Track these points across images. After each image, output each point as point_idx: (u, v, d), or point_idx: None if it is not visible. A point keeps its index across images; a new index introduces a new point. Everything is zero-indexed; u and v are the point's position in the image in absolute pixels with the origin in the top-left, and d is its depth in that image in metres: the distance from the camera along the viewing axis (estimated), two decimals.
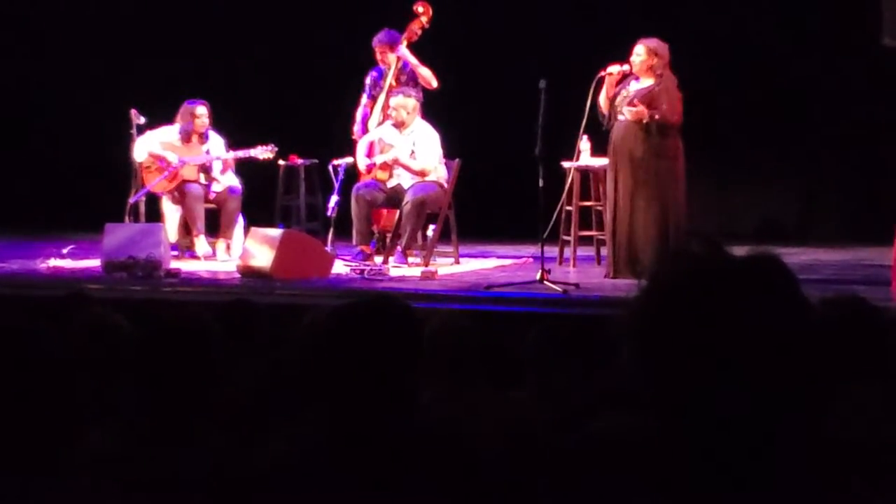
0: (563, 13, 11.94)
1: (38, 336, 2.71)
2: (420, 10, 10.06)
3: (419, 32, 10.08)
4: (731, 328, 1.50)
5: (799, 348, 1.50)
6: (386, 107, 9.98)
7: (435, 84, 9.97)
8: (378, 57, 10.16)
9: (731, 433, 1.51)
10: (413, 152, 9.62)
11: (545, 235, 8.53)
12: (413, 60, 10.00)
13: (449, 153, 9.80)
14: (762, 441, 1.50)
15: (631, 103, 8.45)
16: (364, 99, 10.26)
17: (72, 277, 8.74)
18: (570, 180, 9.45)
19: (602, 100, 8.69)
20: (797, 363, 1.50)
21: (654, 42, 8.62)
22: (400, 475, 2.57)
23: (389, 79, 10.06)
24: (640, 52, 8.61)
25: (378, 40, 10.12)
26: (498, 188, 11.54)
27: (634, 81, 8.65)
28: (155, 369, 3.04)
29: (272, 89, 12.61)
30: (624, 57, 8.69)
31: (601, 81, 8.68)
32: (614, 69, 8.65)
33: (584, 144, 9.34)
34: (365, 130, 10.10)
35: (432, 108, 10.05)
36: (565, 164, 9.44)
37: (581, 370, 4.03)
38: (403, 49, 10.03)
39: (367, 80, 10.29)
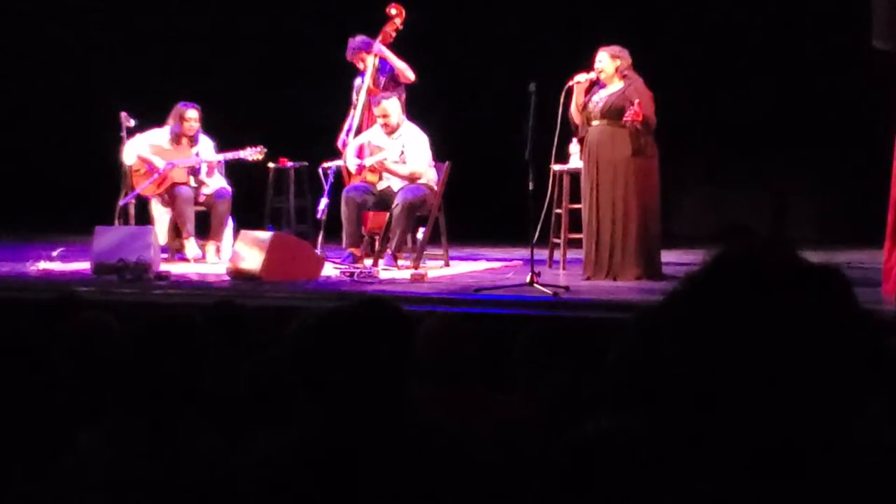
0: (552, 15, 11.97)
1: (28, 339, 2.71)
2: (393, 11, 10.10)
3: (393, 34, 10.12)
4: (784, 332, 1.48)
5: (847, 367, 1.50)
6: (366, 109, 10.02)
7: (413, 77, 9.99)
8: (360, 66, 10.17)
9: (762, 432, 1.50)
10: (402, 153, 9.62)
11: (535, 238, 8.53)
12: (392, 56, 10.03)
13: (439, 156, 9.81)
14: (794, 444, 1.49)
15: (630, 116, 8.44)
16: (353, 110, 10.29)
17: (62, 280, 8.73)
18: (550, 183, 9.46)
19: (573, 109, 8.77)
20: (842, 380, 1.49)
21: (614, 48, 8.75)
22: (390, 478, 2.58)
23: (367, 81, 10.08)
24: (601, 59, 8.74)
25: (352, 52, 10.13)
26: (488, 191, 11.55)
27: (601, 88, 8.74)
28: (145, 370, 3.04)
29: (262, 92, 12.60)
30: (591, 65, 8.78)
31: (570, 91, 8.75)
32: (581, 77, 8.75)
33: (574, 147, 9.36)
34: (346, 141, 10.12)
35: (422, 111, 10.06)
36: (555, 168, 9.45)
37: (571, 373, 4.04)
38: (379, 45, 10.05)
39: (354, 90, 10.31)
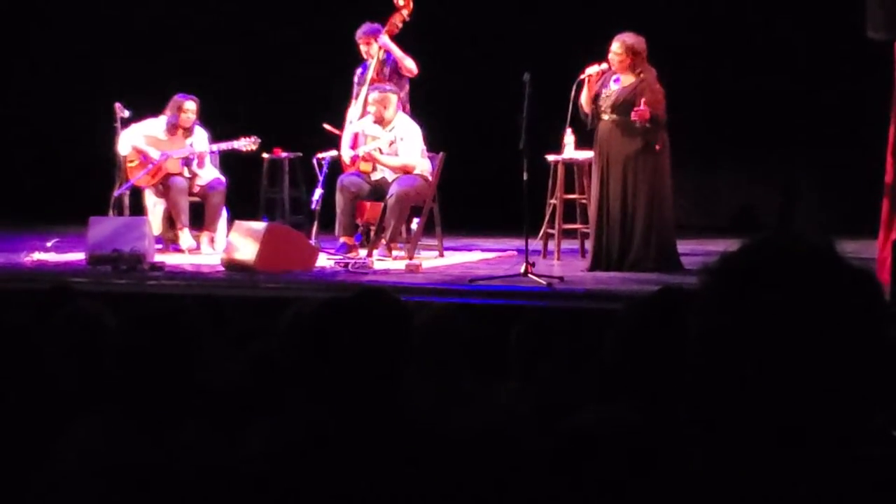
0: (548, 5, 11.95)
1: (22, 329, 2.71)
2: (401, 2, 10.06)
3: (400, 25, 10.09)
4: (813, 325, 1.48)
5: (871, 366, 1.49)
6: (367, 100, 9.99)
7: (416, 70, 9.98)
8: (363, 49, 10.15)
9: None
10: (392, 142, 9.61)
11: (536, 230, 8.53)
12: (395, 49, 10.01)
13: (434, 146, 9.80)
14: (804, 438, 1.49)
15: (636, 116, 8.41)
16: (353, 101, 10.26)
17: (56, 271, 8.72)
18: (552, 174, 9.46)
19: (584, 100, 8.73)
20: (864, 378, 1.49)
21: (630, 38, 8.64)
22: (385, 467, 2.57)
23: (371, 72, 10.06)
24: (617, 49, 8.63)
25: (362, 32, 10.12)
26: (482, 181, 11.55)
27: (614, 82, 8.68)
28: (139, 360, 3.03)
29: (257, 82, 12.58)
30: (603, 52, 8.72)
31: (581, 84, 8.71)
32: (593, 70, 8.69)
33: (569, 138, 9.35)
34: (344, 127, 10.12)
35: (418, 102, 10.04)
36: (550, 158, 9.45)
37: (565, 363, 4.04)
38: (385, 38, 10.03)
39: (355, 78, 10.28)
